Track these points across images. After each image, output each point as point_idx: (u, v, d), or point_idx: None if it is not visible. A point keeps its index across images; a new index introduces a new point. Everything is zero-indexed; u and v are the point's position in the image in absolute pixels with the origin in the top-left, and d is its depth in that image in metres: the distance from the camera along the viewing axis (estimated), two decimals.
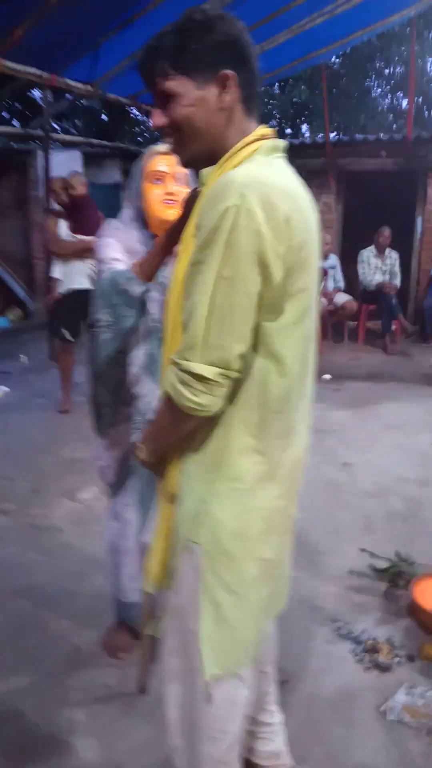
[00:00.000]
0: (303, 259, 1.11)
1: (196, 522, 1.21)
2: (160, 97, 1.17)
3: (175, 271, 1.22)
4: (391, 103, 14.78)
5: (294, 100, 13.34)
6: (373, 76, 14.18)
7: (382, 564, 2.66)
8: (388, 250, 7.36)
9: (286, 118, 14.12)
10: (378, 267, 7.35)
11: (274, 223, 1.04)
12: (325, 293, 7.16)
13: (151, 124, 1.23)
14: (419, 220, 8.11)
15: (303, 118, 14.56)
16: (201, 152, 1.19)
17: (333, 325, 7.46)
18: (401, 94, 14.37)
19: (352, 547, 2.85)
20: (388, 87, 14.58)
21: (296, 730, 1.75)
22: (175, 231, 1.45)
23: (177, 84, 1.14)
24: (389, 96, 14.78)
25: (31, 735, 1.82)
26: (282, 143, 1.19)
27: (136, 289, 1.62)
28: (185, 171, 1.76)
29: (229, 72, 1.12)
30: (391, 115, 14.29)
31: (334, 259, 7.45)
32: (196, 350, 1.09)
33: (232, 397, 1.15)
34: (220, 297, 1.06)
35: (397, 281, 7.30)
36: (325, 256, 7.14)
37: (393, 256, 7.40)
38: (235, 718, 1.34)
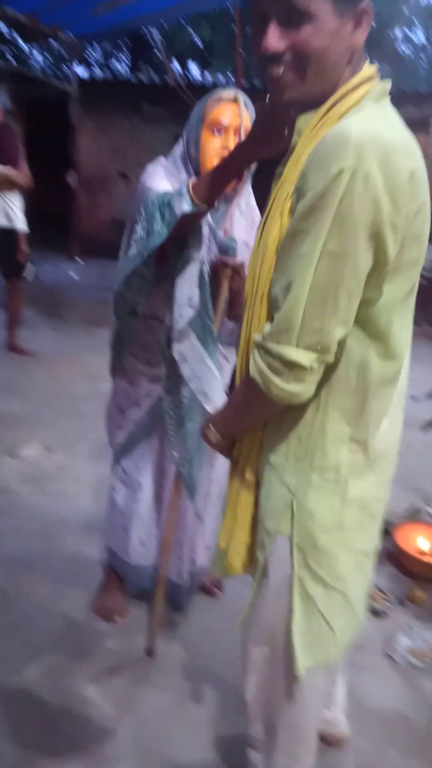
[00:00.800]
0: (418, 227, 0.95)
1: (285, 514, 1.11)
2: (285, 13, 0.93)
3: (264, 235, 1.04)
4: None
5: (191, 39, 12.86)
6: None
7: None
8: None
9: (178, 57, 13.59)
10: None
11: (395, 189, 0.88)
12: None
13: (265, 46, 0.93)
14: None
15: (197, 59, 14.12)
16: (315, 93, 0.99)
17: None
18: None
19: None
20: None
21: None
22: (248, 150, 1.27)
23: (318, 5, 0.91)
24: None
25: (45, 716, 1.68)
26: (389, 85, 1.01)
27: (184, 206, 1.37)
28: (246, 120, 1.53)
29: (369, 6, 0.94)
30: None
31: None
32: (291, 333, 0.95)
33: (325, 381, 1.03)
34: (323, 274, 0.91)
35: None
36: None
37: None
38: (318, 706, 1.30)
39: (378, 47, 14.65)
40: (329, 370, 1.02)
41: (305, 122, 1.01)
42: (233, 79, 9.72)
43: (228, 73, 12.76)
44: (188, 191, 1.38)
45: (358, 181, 0.86)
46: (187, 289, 1.51)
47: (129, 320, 1.65)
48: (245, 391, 1.09)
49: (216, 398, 1.57)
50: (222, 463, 1.80)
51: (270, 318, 1.03)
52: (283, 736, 1.28)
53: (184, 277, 1.51)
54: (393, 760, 1.63)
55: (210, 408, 1.57)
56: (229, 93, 1.53)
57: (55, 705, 1.70)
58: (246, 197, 1.69)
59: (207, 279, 1.55)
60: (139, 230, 1.44)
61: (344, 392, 1.04)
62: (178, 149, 1.62)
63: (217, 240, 1.59)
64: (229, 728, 1.67)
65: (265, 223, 1.05)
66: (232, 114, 1.51)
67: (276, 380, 0.99)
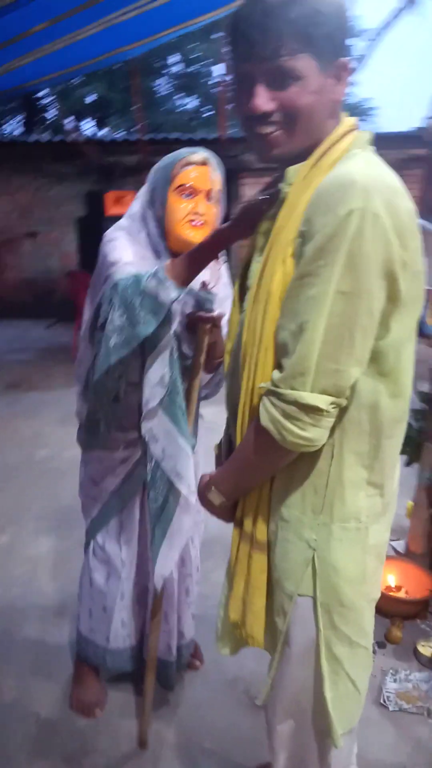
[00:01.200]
0: (419, 264, 0.98)
1: (306, 573, 1.07)
2: (273, 75, 0.96)
3: (264, 284, 1.03)
4: (180, 102, 15.18)
5: (85, 96, 13.05)
6: (164, 75, 14.44)
7: None
8: None
9: (74, 114, 13.76)
10: None
11: (401, 228, 0.92)
12: None
13: (255, 107, 0.96)
14: None
15: (94, 115, 14.32)
16: (303, 147, 1.01)
17: None
18: (184, 95, 14.88)
19: None
20: (172, 86, 14.93)
21: None
22: (228, 234, 1.25)
23: (305, 65, 0.94)
24: (177, 95, 15.16)
25: None
26: (371, 134, 1.05)
27: (171, 293, 1.34)
28: (219, 188, 1.52)
29: (348, 61, 0.98)
30: (187, 115, 14.65)
31: None
32: (307, 377, 0.95)
33: (338, 426, 1.02)
34: (338, 315, 0.92)
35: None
36: None
37: None
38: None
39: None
40: (341, 414, 1.01)
41: (294, 173, 1.02)
42: (134, 134, 9.88)
43: (129, 129, 13.05)
44: (167, 275, 1.35)
45: (368, 221, 0.88)
46: (159, 369, 1.47)
47: (113, 406, 1.58)
48: (255, 443, 1.05)
49: (189, 477, 1.51)
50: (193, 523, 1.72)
51: (277, 366, 1.01)
52: None
53: (155, 358, 1.46)
54: None
55: (183, 488, 1.51)
56: (198, 156, 1.50)
57: None
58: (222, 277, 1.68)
59: (176, 356, 1.52)
60: (117, 319, 1.38)
61: (358, 435, 1.02)
62: (137, 206, 1.57)
63: (194, 294, 1.54)
64: None
65: (262, 273, 1.04)
66: (202, 178, 1.49)
67: (291, 427, 0.96)
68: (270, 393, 0.99)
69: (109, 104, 13.59)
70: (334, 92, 0.99)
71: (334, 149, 1.00)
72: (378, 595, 1.16)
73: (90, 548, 1.80)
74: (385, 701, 1.94)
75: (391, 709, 1.92)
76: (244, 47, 0.96)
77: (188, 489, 1.51)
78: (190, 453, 1.51)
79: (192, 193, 1.49)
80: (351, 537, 1.06)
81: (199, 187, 1.49)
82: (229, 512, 1.17)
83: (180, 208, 1.49)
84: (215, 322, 1.53)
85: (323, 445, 1.01)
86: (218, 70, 14.67)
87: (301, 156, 1.02)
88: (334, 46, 0.95)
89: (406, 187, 0.98)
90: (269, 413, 0.99)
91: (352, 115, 1.06)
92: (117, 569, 1.76)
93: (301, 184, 1.00)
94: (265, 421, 0.99)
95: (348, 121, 1.04)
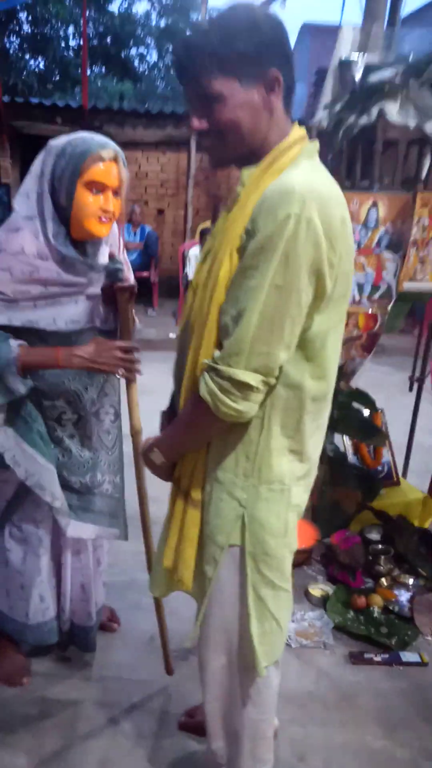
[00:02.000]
0: (347, 265, 1.12)
1: (236, 526, 1.22)
2: (199, 99, 1.10)
3: (214, 272, 1.14)
4: (30, 64, 14.40)
5: None
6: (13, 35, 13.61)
7: None
8: None
9: None
10: None
11: (331, 233, 1.04)
12: None
13: (191, 126, 1.13)
14: None
15: None
16: (241, 154, 1.14)
17: None
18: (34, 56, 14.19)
19: None
20: (25, 47, 14.15)
21: None
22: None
23: (223, 86, 1.07)
24: (27, 57, 14.38)
25: None
26: (318, 145, 1.18)
27: (20, 387, 1.51)
28: (125, 181, 1.53)
29: (276, 72, 1.09)
30: (36, 78, 13.93)
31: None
32: (241, 357, 1.08)
33: (266, 402, 1.15)
34: (271, 305, 1.05)
35: None
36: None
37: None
38: (274, 703, 1.42)
39: (119, 67, 15.10)
40: (270, 391, 1.14)
41: (248, 174, 1.13)
42: None
43: None
44: (18, 368, 1.49)
45: (302, 226, 1.01)
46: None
47: None
48: (194, 411, 1.18)
49: (53, 488, 1.64)
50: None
51: (218, 345, 1.13)
52: (247, 740, 1.39)
53: None
54: (317, 736, 1.82)
55: (48, 498, 1.64)
56: (109, 152, 1.49)
57: None
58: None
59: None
60: None
61: (284, 410, 1.17)
62: (33, 186, 1.53)
63: (106, 268, 1.59)
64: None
65: (213, 261, 1.15)
66: (112, 174, 1.50)
67: (225, 399, 1.10)
68: (209, 369, 1.12)
69: None
70: (268, 101, 1.11)
71: (283, 156, 1.12)
72: (296, 546, 1.32)
73: (5, 530, 1.81)
74: (287, 641, 2.17)
75: (293, 646, 2.15)
76: (178, 77, 1.12)
77: (52, 497, 1.65)
78: (52, 467, 1.65)
79: (102, 189, 1.50)
80: (276, 497, 1.22)
81: (108, 184, 1.50)
82: (167, 472, 1.31)
83: (89, 203, 1.50)
84: (132, 290, 1.59)
85: (254, 418, 1.15)
86: (70, 31, 14.15)
87: (250, 158, 1.14)
88: (251, 62, 1.07)
89: None
90: (207, 386, 1.11)
91: None
92: (35, 547, 1.80)
93: (252, 187, 1.12)
94: (203, 392, 1.12)
95: (298, 131, 1.17)
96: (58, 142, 1.52)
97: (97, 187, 1.49)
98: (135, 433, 1.68)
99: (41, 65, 14.49)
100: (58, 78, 14.41)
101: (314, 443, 1.26)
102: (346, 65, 2.33)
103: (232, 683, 1.36)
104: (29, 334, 1.54)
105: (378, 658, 2.11)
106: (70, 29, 14.17)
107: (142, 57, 16.33)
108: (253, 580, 1.24)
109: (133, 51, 15.99)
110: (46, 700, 1.88)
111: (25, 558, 1.81)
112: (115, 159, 1.51)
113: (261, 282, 1.04)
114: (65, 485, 1.70)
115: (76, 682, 1.95)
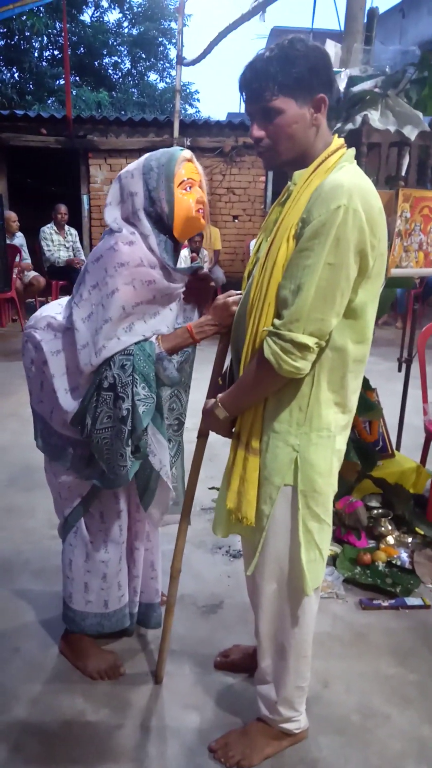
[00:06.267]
0: (383, 248, 1.37)
1: (290, 469, 1.46)
2: (262, 113, 1.36)
3: (270, 256, 1.39)
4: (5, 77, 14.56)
5: None
6: None
7: None
8: (67, 227, 7.58)
9: None
10: (61, 243, 7.53)
11: (372, 220, 1.29)
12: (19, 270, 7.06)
13: (252, 135, 1.40)
14: (85, 198, 8.49)
15: None
16: (291, 159, 1.41)
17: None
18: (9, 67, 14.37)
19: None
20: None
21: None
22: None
23: (282, 103, 1.34)
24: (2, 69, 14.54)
25: None
26: (354, 151, 1.45)
27: (174, 374, 1.70)
28: (203, 174, 1.76)
29: (323, 95, 1.35)
30: (15, 90, 14.08)
31: (21, 237, 7.34)
32: (300, 323, 1.32)
33: (317, 361, 1.39)
34: (324, 280, 1.29)
35: (82, 256, 7.61)
36: (13, 234, 7.02)
37: (73, 233, 7.66)
38: (313, 622, 1.66)
39: (93, 76, 15.30)
40: (320, 353, 1.38)
41: (299, 175, 1.40)
42: None
43: None
44: (165, 353, 1.68)
45: (349, 214, 1.26)
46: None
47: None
48: (257, 371, 1.41)
49: (168, 463, 1.80)
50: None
51: (277, 315, 1.38)
52: (292, 658, 1.63)
53: None
54: (338, 667, 2.07)
55: (171, 486, 1.82)
56: (189, 153, 1.72)
57: None
58: None
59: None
60: (141, 391, 1.64)
61: (330, 369, 1.41)
62: (121, 213, 1.69)
63: (188, 270, 1.77)
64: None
65: (269, 248, 1.40)
66: (195, 171, 1.72)
67: (287, 358, 1.33)
68: (272, 334, 1.36)
69: None
70: (314, 119, 1.38)
71: (328, 161, 1.39)
72: (336, 488, 1.57)
73: (81, 523, 1.91)
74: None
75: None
76: (244, 96, 1.39)
77: (159, 463, 1.77)
78: (166, 444, 1.79)
79: (191, 184, 1.70)
80: (324, 443, 1.46)
81: (195, 179, 1.72)
82: (227, 428, 1.56)
83: (187, 199, 1.68)
84: (209, 278, 1.87)
85: (306, 375, 1.40)
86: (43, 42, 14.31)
87: (298, 164, 1.41)
88: (306, 85, 1.34)
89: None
90: (271, 348, 1.35)
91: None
92: (116, 536, 1.92)
93: (303, 185, 1.38)
94: (267, 353, 1.36)
95: (338, 141, 1.44)
96: (136, 164, 1.70)
97: (189, 183, 1.70)
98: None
99: (16, 77, 14.66)
100: (31, 88, 14.61)
101: (354, 399, 1.52)
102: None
103: (281, 606, 1.59)
104: None
105: (385, 603, 2.38)
106: (43, 40, 14.37)
107: (116, 65, 16.58)
108: (303, 515, 1.47)
109: (107, 60, 16.25)
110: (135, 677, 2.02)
111: (107, 547, 1.92)
112: (192, 158, 1.74)
113: (316, 261, 1.28)
114: None
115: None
